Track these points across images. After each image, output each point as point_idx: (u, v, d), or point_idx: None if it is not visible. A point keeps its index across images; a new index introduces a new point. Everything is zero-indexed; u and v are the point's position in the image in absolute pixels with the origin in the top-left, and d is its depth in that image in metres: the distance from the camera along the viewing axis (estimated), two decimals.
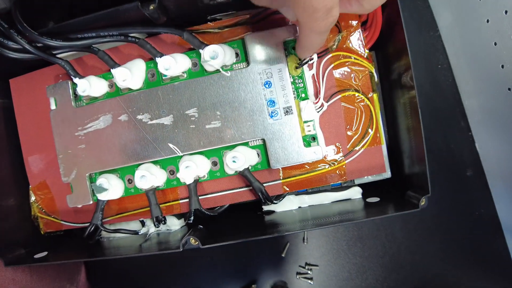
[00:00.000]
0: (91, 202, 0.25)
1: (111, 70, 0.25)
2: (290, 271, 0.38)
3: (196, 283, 0.38)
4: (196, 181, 0.24)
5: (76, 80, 0.25)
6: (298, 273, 0.38)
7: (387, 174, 0.26)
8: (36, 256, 0.26)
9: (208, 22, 0.25)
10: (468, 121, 0.38)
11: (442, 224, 0.38)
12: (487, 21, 0.31)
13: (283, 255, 0.38)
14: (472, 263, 0.37)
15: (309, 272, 0.38)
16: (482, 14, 0.31)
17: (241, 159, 0.23)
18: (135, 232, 0.27)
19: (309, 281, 0.38)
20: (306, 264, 0.38)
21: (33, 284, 0.28)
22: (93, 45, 0.25)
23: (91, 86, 0.25)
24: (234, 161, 0.23)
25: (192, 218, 0.24)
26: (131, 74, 0.24)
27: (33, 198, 0.29)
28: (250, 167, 0.24)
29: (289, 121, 0.23)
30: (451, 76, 0.38)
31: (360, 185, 0.27)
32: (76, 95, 0.26)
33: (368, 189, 0.27)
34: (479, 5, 0.31)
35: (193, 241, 0.22)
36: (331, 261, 0.38)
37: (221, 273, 0.38)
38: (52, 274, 0.30)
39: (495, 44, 0.31)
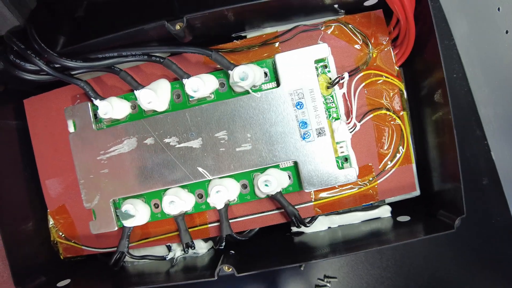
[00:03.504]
0: (116, 229, 0.25)
1: (135, 92, 0.24)
2: (308, 284, 0.38)
3: None
4: (227, 206, 0.24)
5: (97, 102, 0.24)
6: (317, 286, 0.38)
7: (417, 192, 0.26)
8: (58, 284, 0.25)
9: (234, 40, 0.25)
10: (484, 130, 0.38)
11: (459, 232, 0.37)
12: (506, 32, 0.31)
13: (301, 268, 0.37)
14: (488, 271, 0.37)
15: (327, 284, 0.38)
16: (501, 25, 0.31)
17: (274, 183, 0.22)
18: (163, 258, 0.26)
19: None
20: (325, 276, 0.38)
21: None
22: (114, 65, 0.24)
23: (113, 108, 0.24)
24: (266, 185, 0.22)
25: (223, 244, 0.23)
26: (156, 96, 0.23)
27: (51, 223, 0.28)
28: (282, 190, 0.23)
29: (322, 142, 0.23)
30: (467, 85, 0.38)
31: (389, 203, 0.27)
32: (96, 117, 0.25)
33: (396, 206, 0.27)
34: (498, 15, 0.31)
35: (227, 268, 0.22)
36: (349, 272, 0.38)
37: (240, 286, 0.38)
38: None
39: None
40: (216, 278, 0.21)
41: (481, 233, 0.38)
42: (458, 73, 0.38)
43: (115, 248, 0.25)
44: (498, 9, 0.31)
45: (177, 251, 0.27)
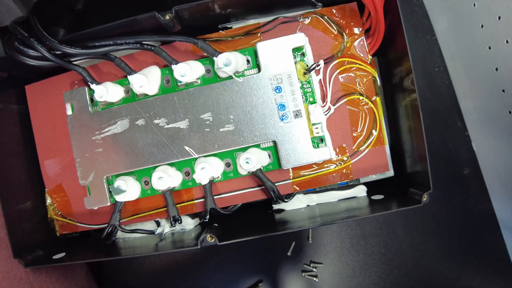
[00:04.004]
0: (108, 204, 0.26)
1: (128, 76, 0.26)
2: (295, 269, 0.39)
3: (204, 283, 0.39)
4: (211, 182, 0.25)
5: (93, 86, 0.26)
6: (303, 271, 0.39)
7: (390, 172, 0.27)
8: (54, 257, 0.27)
9: (220, 31, 0.27)
10: (465, 121, 0.39)
11: (441, 221, 0.39)
12: (482, 26, 0.32)
13: (288, 254, 0.39)
14: (470, 259, 0.38)
15: (314, 269, 0.39)
16: (476, 20, 0.33)
17: (254, 160, 0.24)
18: (152, 232, 0.28)
19: (314, 279, 0.39)
20: (311, 262, 0.39)
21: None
22: (110, 53, 0.26)
23: (108, 92, 0.26)
24: (247, 162, 0.24)
25: (208, 217, 0.25)
26: (147, 81, 0.25)
27: (49, 201, 0.30)
28: (262, 168, 0.25)
29: (298, 124, 0.24)
30: (448, 78, 0.39)
31: (365, 184, 0.28)
32: (92, 101, 0.27)
33: (372, 187, 0.29)
34: (474, 11, 0.33)
35: (210, 238, 0.23)
36: (335, 258, 0.40)
37: (229, 273, 0.39)
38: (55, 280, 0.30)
39: (489, 48, 0.32)
40: (199, 247, 0.23)
41: (463, 221, 0.39)
42: (439, 67, 0.40)
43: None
44: (474, 4, 0.33)
45: (165, 227, 0.28)
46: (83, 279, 0.35)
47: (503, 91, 0.32)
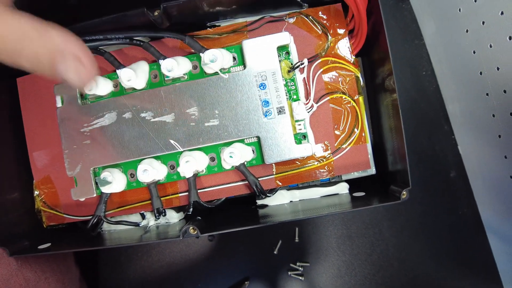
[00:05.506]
0: (95, 195, 0.27)
1: (117, 70, 0.26)
2: (281, 268, 0.40)
3: (190, 281, 0.39)
4: (195, 175, 0.26)
5: None
6: (289, 270, 0.39)
7: (372, 170, 0.28)
8: (39, 247, 0.28)
9: (208, 29, 0.27)
10: (451, 124, 0.40)
11: (427, 223, 0.40)
12: (467, 31, 0.33)
13: (275, 252, 0.39)
14: (455, 260, 0.39)
15: (300, 269, 0.39)
16: (462, 25, 0.34)
17: (238, 154, 0.25)
18: (136, 224, 0.28)
19: (300, 278, 0.39)
20: (297, 261, 0.40)
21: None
22: (100, 47, 0.27)
23: (97, 85, 0.26)
24: (231, 156, 0.25)
25: (191, 209, 0.25)
26: (135, 75, 0.26)
27: (36, 192, 0.30)
28: (245, 163, 0.26)
29: (281, 120, 0.25)
30: (435, 82, 0.40)
31: (347, 181, 0.29)
32: (82, 94, 0.28)
33: (354, 185, 0.29)
34: (459, 16, 0.34)
35: (192, 230, 0.24)
36: (321, 258, 0.40)
37: (214, 271, 0.39)
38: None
39: (474, 52, 0.33)
40: (181, 238, 0.23)
41: (448, 223, 0.39)
42: (427, 71, 0.41)
43: None
44: (459, 9, 0.34)
45: (150, 220, 0.29)
46: (77, 278, 0.35)
47: (487, 94, 0.33)
